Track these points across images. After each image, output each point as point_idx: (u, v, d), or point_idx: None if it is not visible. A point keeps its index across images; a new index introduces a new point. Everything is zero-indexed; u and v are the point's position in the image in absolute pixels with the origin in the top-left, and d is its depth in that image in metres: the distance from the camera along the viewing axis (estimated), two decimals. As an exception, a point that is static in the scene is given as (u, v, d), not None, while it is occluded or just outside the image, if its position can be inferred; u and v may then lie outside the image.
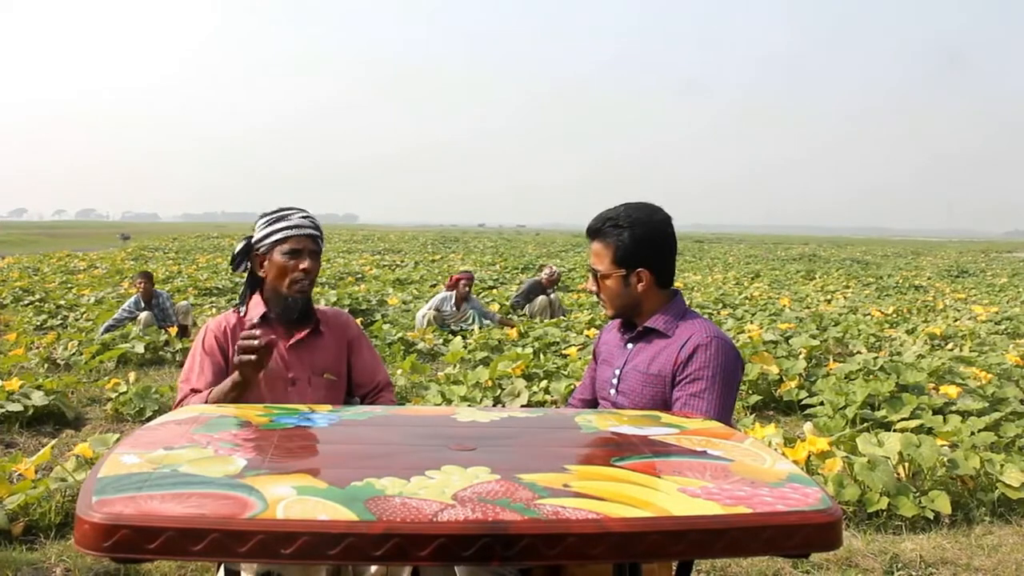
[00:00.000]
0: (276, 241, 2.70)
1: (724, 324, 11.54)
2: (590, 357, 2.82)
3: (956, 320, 13.26)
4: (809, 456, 4.61)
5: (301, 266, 2.70)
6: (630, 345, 2.53)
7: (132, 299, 10.40)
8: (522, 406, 6.52)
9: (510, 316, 12.19)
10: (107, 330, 9.70)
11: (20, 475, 4.53)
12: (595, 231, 2.50)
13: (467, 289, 11.07)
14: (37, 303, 13.75)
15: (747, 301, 15.68)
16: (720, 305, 14.72)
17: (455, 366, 8.41)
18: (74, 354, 8.71)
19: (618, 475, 1.54)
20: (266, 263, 2.74)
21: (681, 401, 2.33)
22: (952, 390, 6.51)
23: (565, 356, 8.43)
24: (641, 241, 2.43)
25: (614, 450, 1.73)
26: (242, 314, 2.79)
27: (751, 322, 11.57)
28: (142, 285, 10.26)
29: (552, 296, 12.49)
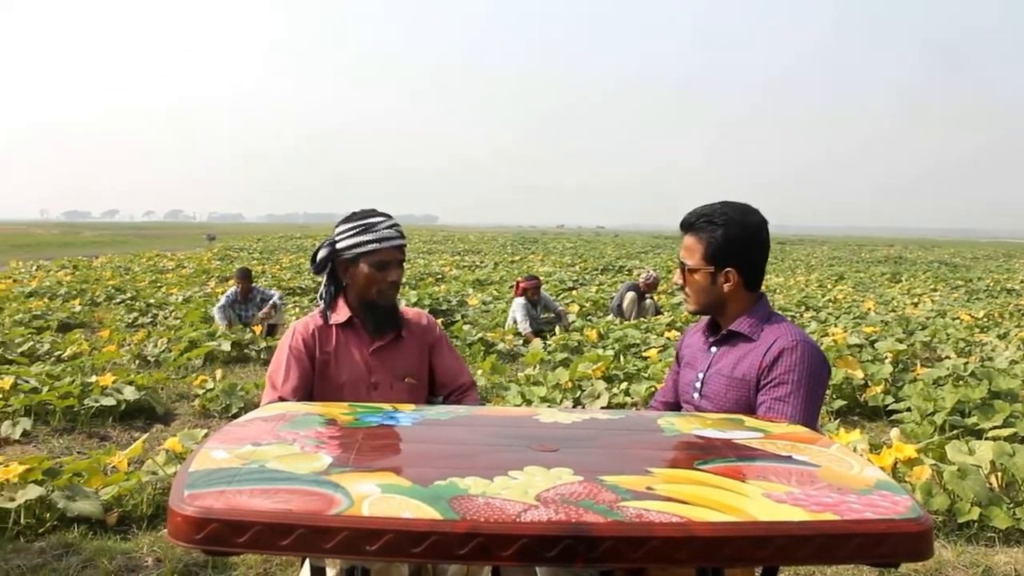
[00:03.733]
0: (363, 253, 2.68)
1: (807, 327, 11.34)
2: (671, 359, 2.80)
3: (1051, 325, 12.81)
4: (896, 463, 4.49)
5: (389, 279, 2.70)
6: (714, 348, 2.50)
7: (231, 291, 10.83)
8: (602, 408, 6.49)
9: (570, 320, 11.99)
10: (220, 316, 10.36)
11: (114, 467, 4.66)
12: (689, 225, 2.47)
13: (536, 295, 11.19)
14: (128, 301, 14.17)
15: (831, 304, 15.37)
16: (803, 308, 14.46)
17: (535, 367, 8.41)
18: (163, 351, 8.97)
19: (702, 479, 1.52)
20: (351, 271, 2.73)
21: (766, 405, 2.29)
22: (1048, 397, 6.30)
23: (645, 358, 8.36)
24: (734, 241, 2.40)
25: (698, 453, 1.71)
26: (328, 318, 2.80)
27: (835, 325, 11.34)
28: (241, 283, 10.65)
29: (648, 301, 12.27)
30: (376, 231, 2.69)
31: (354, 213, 2.78)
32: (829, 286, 21.15)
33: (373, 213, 2.74)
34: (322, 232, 61.24)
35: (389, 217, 2.75)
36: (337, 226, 2.78)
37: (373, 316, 2.75)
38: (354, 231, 2.70)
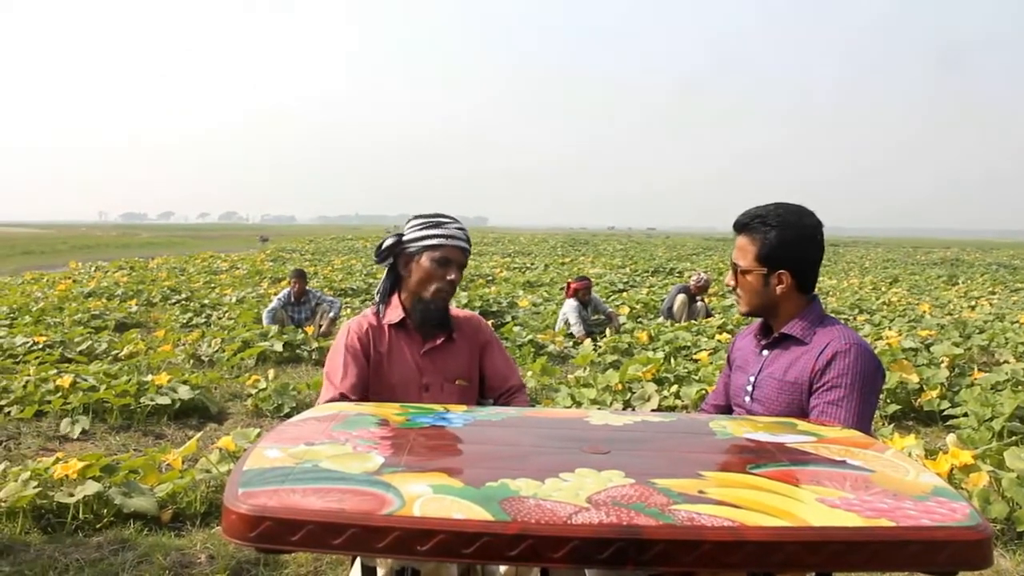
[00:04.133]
0: (429, 246, 2.70)
1: (861, 330, 11.17)
2: (722, 362, 2.77)
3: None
4: (952, 470, 4.40)
5: (448, 276, 2.71)
6: (766, 352, 2.48)
7: (284, 291, 10.95)
8: (652, 410, 6.46)
9: (620, 322, 11.91)
10: (270, 320, 10.39)
11: (168, 465, 4.73)
12: (742, 225, 2.45)
13: (587, 297, 11.15)
14: (183, 302, 14.39)
15: (885, 307, 15.13)
16: (856, 311, 14.25)
17: (585, 369, 8.39)
18: (217, 351, 9.09)
19: (754, 483, 1.50)
20: (412, 265, 2.74)
21: (819, 409, 2.26)
22: (1111, 404, 6.14)
23: (696, 361, 8.31)
24: (787, 243, 2.37)
25: (750, 457, 1.69)
26: (380, 315, 2.82)
27: (889, 328, 11.16)
28: (296, 283, 10.75)
29: (699, 304, 12.15)
30: (445, 228, 2.72)
31: (425, 212, 2.81)
32: (883, 289, 20.83)
33: (445, 215, 2.78)
34: (375, 233, 61.68)
35: (459, 222, 2.79)
36: (408, 221, 2.81)
37: (423, 316, 2.75)
38: (423, 225, 2.74)
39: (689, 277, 14.86)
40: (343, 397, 2.61)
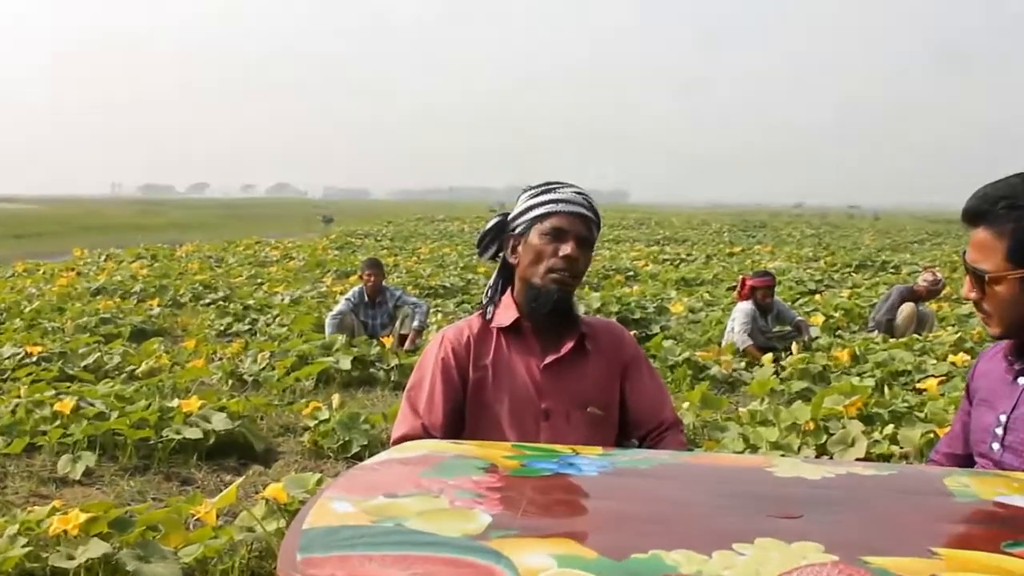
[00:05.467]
0: (536, 217, 2.71)
1: None
2: (958, 394, 2.70)
3: None
4: None
5: (563, 251, 2.68)
6: (1022, 380, 2.40)
7: (355, 290, 11.13)
8: (858, 459, 6.35)
9: (812, 335, 11.67)
10: (334, 328, 10.42)
11: (198, 520, 4.80)
12: (979, 214, 2.30)
13: (768, 299, 10.96)
14: (220, 303, 14.75)
15: None
16: None
17: (762, 400, 8.28)
18: (264, 368, 9.22)
19: (1011, 567, 1.46)
20: (520, 247, 2.76)
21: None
22: None
23: (921, 391, 8.13)
24: None
25: (1003, 531, 1.65)
26: (488, 319, 2.84)
27: None
28: (371, 278, 10.84)
29: (924, 309, 11.87)
30: (557, 192, 2.74)
31: (535, 183, 2.83)
32: None
33: (558, 181, 2.79)
34: (474, 212, 62.02)
35: (578, 187, 2.79)
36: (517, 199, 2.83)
37: (531, 306, 2.75)
38: (531, 195, 2.77)
39: (915, 277, 14.48)
40: (425, 431, 2.63)
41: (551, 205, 2.70)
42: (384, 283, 11.08)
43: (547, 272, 2.70)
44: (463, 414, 2.72)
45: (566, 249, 2.69)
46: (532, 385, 2.74)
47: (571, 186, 2.78)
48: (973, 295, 2.36)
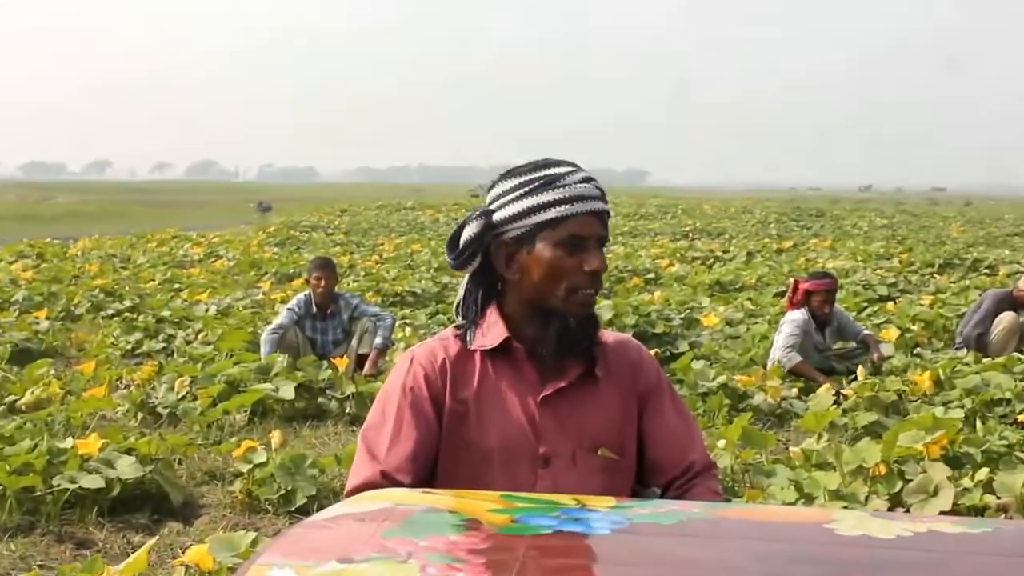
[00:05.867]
0: (545, 223, 2.64)
1: None
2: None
3: None
4: None
5: (588, 265, 2.64)
6: None
7: (300, 297, 11.07)
8: (942, 512, 6.36)
9: (883, 353, 11.66)
10: (273, 346, 10.35)
11: (100, 595, 4.82)
12: None
13: (827, 308, 10.90)
14: (127, 314, 14.71)
15: None
16: None
17: (820, 437, 8.28)
18: (184, 398, 9.19)
19: None
20: (521, 258, 2.70)
21: None
22: None
23: (1023, 426, 8.15)
24: None
25: None
26: (469, 341, 2.80)
27: None
28: (320, 282, 10.76)
29: None
30: (564, 186, 2.66)
31: (521, 165, 2.75)
32: None
33: (557, 162, 2.72)
34: (450, 201, 62.01)
35: (581, 169, 2.73)
36: (492, 187, 2.77)
37: (561, 337, 2.70)
38: (526, 188, 2.68)
39: (1016, 279, 14.46)
40: (386, 478, 2.60)
41: (564, 206, 2.62)
42: (337, 289, 11.06)
43: (570, 293, 2.66)
44: (436, 457, 2.70)
45: (593, 263, 2.65)
46: (527, 424, 2.71)
47: (575, 169, 2.71)
48: None
